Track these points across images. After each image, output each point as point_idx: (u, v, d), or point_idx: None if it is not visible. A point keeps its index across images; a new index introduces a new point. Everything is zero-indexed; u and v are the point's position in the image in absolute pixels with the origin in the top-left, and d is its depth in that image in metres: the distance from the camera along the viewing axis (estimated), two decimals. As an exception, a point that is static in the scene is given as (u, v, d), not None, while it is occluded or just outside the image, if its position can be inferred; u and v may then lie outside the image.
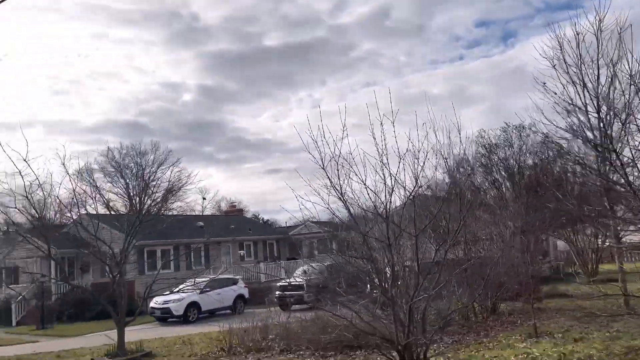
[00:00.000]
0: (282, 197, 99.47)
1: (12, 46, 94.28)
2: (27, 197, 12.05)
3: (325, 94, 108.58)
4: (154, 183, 46.80)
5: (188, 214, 47.84)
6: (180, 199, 48.75)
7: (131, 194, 48.06)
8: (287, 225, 54.23)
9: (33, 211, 12.59)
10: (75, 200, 13.15)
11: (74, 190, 13.18)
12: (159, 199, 41.39)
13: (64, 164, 12.65)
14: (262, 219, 63.73)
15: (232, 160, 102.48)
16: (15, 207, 12.41)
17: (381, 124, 5.94)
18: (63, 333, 20.96)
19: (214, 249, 32.99)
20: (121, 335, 12.20)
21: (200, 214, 51.22)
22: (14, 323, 24.90)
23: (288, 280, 21.84)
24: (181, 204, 49.34)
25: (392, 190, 5.79)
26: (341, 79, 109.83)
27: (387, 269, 6.41)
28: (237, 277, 25.81)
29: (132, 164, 48.01)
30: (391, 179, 5.78)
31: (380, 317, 6.57)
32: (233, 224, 37.97)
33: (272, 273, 28.99)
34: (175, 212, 44.30)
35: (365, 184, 5.95)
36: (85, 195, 13.61)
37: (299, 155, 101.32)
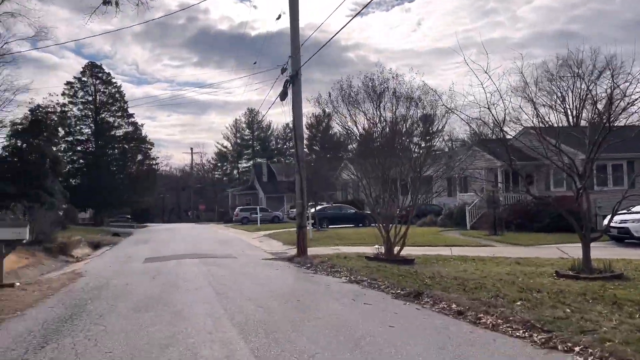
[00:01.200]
0: None
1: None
2: (488, 108, 12.34)
3: None
4: (594, 94, 42.10)
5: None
6: (629, 110, 42.57)
7: (569, 107, 45.27)
8: None
9: (493, 123, 12.87)
10: (534, 110, 12.75)
11: (532, 101, 12.79)
12: (603, 111, 37.14)
13: (521, 72, 12.35)
14: None
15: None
16: (480, 119, 12.93)
17: None
18: (513, 241, 21.85)
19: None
20: (586, 251, 11.43)
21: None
22: (468, 227, 27.73)
23: None
24: (630, 116, 43.11)
25: None
26: None
27: None
28: None
29: (569, 75, 44.64)
30: None
31: None
32: None
33: None
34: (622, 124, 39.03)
35: None
36: (532, 107, 13.03)
37: None
